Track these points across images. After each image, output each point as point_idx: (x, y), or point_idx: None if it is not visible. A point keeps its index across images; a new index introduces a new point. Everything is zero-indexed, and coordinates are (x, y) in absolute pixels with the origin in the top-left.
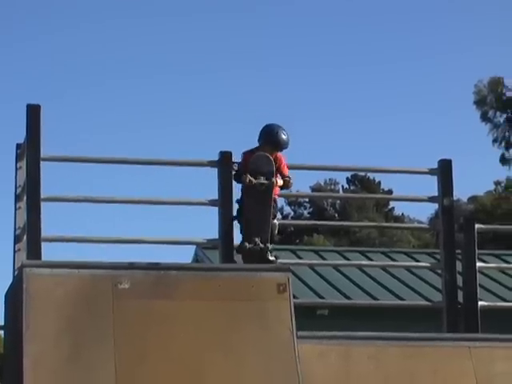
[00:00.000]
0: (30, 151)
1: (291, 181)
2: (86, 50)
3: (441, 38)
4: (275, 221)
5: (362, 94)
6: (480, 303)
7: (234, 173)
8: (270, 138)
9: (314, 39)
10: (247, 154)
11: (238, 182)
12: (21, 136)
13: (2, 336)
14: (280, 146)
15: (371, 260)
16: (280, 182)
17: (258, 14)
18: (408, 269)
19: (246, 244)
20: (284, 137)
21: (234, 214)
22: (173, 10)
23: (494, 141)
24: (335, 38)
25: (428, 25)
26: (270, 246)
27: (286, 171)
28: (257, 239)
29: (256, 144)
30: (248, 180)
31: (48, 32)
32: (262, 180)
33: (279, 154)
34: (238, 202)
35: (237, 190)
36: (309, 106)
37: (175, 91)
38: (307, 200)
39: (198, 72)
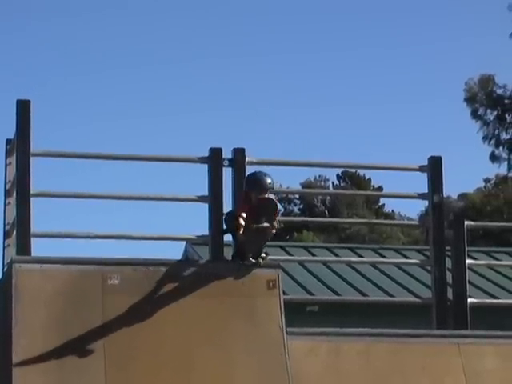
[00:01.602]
0: (19, 146)
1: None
2: (67, 42)
3: (432, 35)
4: None
5: (353, 89)
6: (469, 300)
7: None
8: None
9: (304, 27)
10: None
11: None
12: (10, 131)
13: None
14: (266, 188)
15: (361, 257)
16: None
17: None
18: (398, 265)
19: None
20: (269, 180)
21: (225, 214)
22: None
23: (484, 138)
24: (327, 26)
25: (420, 21)
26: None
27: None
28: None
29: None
30: (254, 227)
31: (34, 24)
32: (264, 224)
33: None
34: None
35: (227, 186)
36: (300, 100)
37: (162, 81)
38: (297, 196)
39: (184, 61)
